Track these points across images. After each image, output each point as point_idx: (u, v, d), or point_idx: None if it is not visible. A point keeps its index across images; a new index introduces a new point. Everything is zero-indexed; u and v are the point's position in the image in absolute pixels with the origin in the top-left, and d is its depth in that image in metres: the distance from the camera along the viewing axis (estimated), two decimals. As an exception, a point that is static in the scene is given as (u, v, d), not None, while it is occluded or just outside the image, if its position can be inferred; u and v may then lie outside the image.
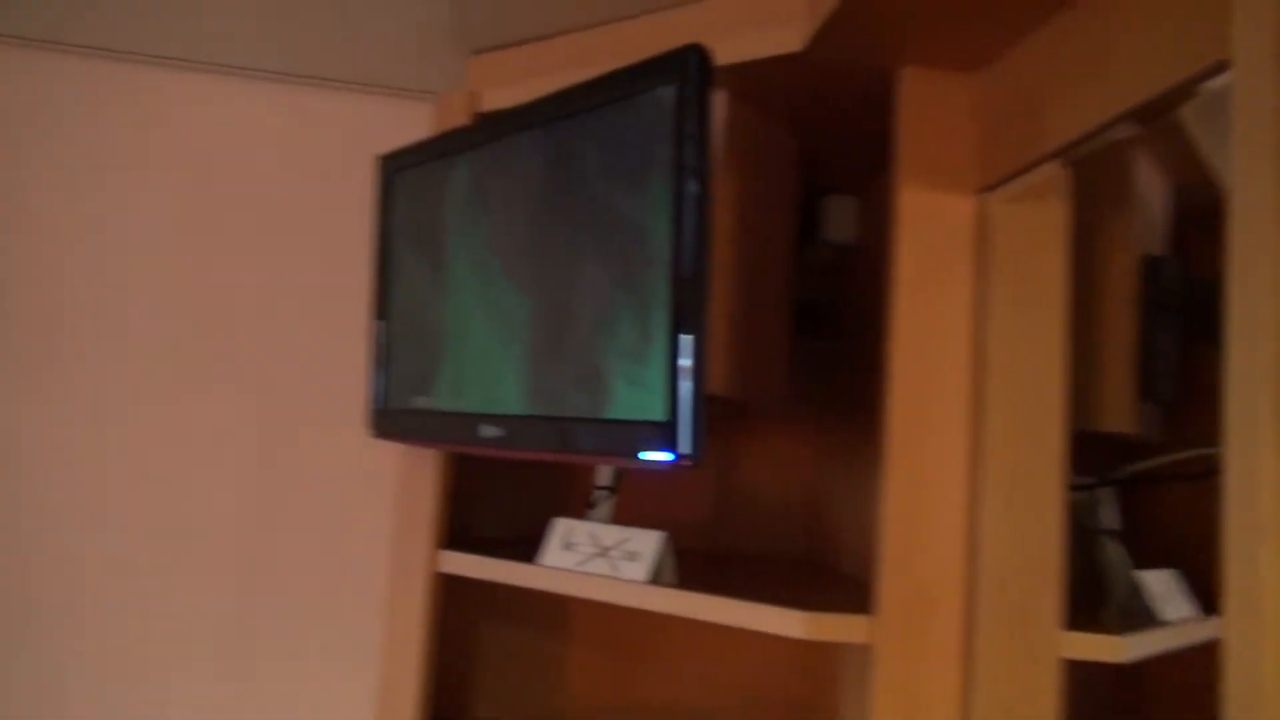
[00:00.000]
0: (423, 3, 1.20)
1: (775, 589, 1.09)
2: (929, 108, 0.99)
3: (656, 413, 0.85)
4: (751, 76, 1.08)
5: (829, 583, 1.23)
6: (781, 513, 1.52)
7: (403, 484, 1.28)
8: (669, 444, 0.84)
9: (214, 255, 1.50)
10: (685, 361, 0.85)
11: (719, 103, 1.11)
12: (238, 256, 1.51)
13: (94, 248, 1.47)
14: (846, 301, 1.50)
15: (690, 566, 1.18)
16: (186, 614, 1.46)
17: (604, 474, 1.20)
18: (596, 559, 1.08)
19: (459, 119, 1.28)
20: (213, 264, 1.50)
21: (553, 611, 1.47)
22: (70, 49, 1.47)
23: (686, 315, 0.85)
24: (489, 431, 1.02)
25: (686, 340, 0.85)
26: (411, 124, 1.53)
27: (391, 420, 1.19)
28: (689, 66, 0.87)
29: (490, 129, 1.09)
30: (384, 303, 1.23)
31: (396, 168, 1.23)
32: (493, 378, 1.04)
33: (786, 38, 1.01)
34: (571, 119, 0.97)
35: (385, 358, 1.22)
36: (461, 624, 1.40)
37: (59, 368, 1.45)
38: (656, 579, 1.03)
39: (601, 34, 1.19)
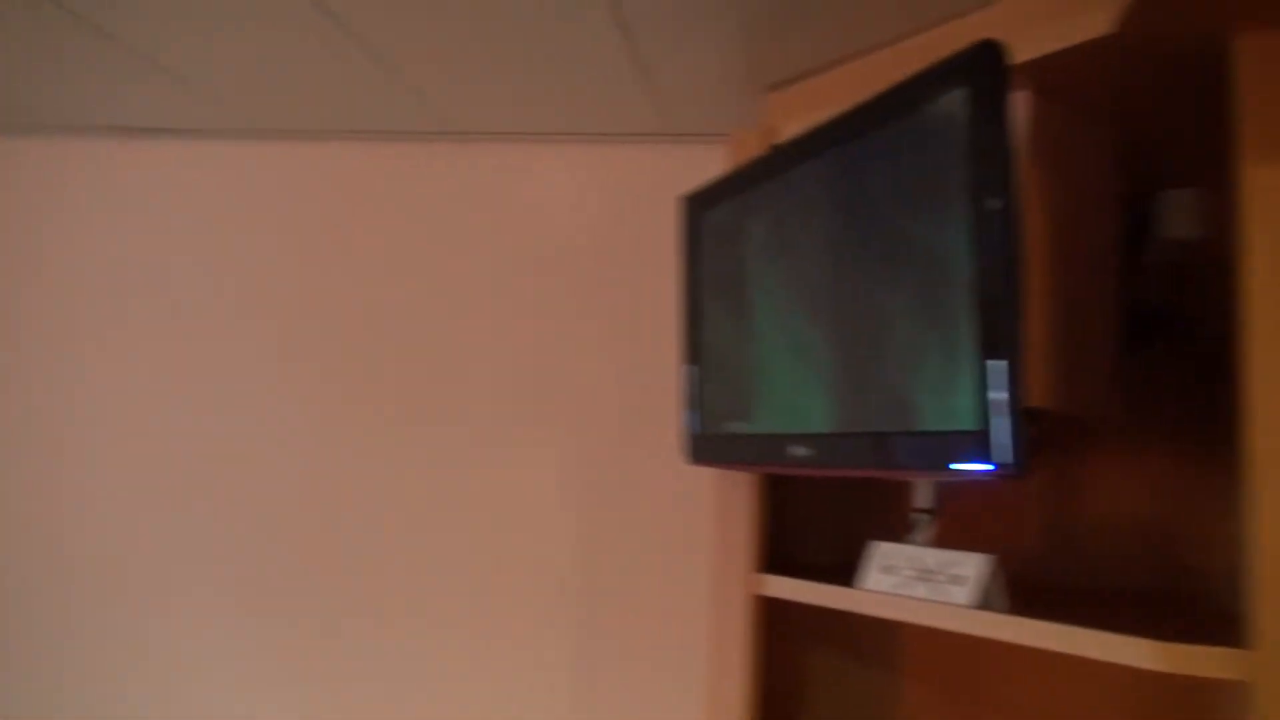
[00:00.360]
0: (716, 47, 1.27)
1: (1124, 618, 0.99)
2: (1273, 74, 0.88)
3: (968, 422, 0.82)
4: (1056, 70, 1.02)
5: (1188, 614, 1.09)
6: (1126, 540, 1.37)
7: (719, 509, 1.32)
8: (983, 454, 0.80)
9: (540, 307, 1.67)
10: (999, 388, 0.81)
11: (1021, 103, 1.06)
12: (561, 307, 1.66)
13: (438, 310, 1.70)
14: (1195, 304, 1.34)
15: (1022, 594, 1.10)
16: (526, 639, 1.60)
17: (922, 496, 1.17)
18: (918, 583, 1.05)
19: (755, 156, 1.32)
20: (540, 315, 1.66)
21: (876, 639, 1.44)
22: (410, 136, 1.72)
23: (996, 338, 0.82)
24: (798, 451, 1.03)
25: (997, 365, 0.81)
26: (714, 167, 1.61)
27: (706, 445, 1.25)
28: (980, 66, 0.84)
29: (781, 159, 1.12)
30: (694, 344, 1.29)
31: (697, 207, 1.30)
32: (800, 402, 1.05)
33: (1092, 22, 0.94)
34: (858, 140, 0.98)
35: (698, 392, 1.28)
36: (785, 650, 1.41)
37: (408, 417, 1.68)
38: (985, 604, 0.98)
39: (892, 53, 1.19)
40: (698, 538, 1.58)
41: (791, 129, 1.30)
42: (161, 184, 1.81)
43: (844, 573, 1.17)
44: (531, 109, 1.54)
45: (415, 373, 1.69)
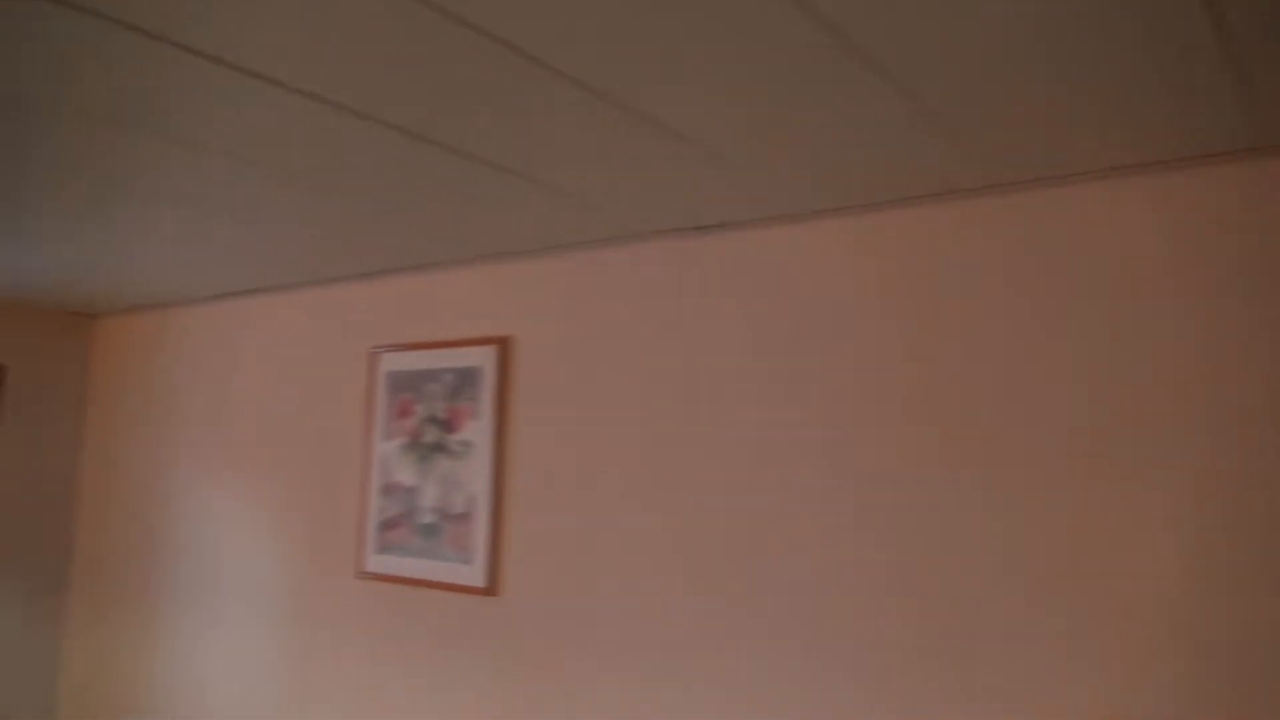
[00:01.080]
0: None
1: None
2: None
3: None
4: None
5: None
6: None
7: None
8: None
9: (1123, 341, 1.56)
10: None
11: None
12: (1150, 339, 1.54)
13: (1018, 359, 1.65)
14: None
15: None
16: (1127, 701, 1.46)
17: None
18: None
19: None
20: (1125, 350, 1.55)
21: None
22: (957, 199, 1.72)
23: None
24: None
25: None
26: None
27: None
28: None
29: None
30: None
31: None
32: None
33: None
34: None
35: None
36: None
37: (987, 464, 1.64)
38: None
39: None
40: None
41: None
42: (727, 273, 2.01)
43: None
44: (1092, 141, 1.46)
45: (1003, 421, 1.66)
